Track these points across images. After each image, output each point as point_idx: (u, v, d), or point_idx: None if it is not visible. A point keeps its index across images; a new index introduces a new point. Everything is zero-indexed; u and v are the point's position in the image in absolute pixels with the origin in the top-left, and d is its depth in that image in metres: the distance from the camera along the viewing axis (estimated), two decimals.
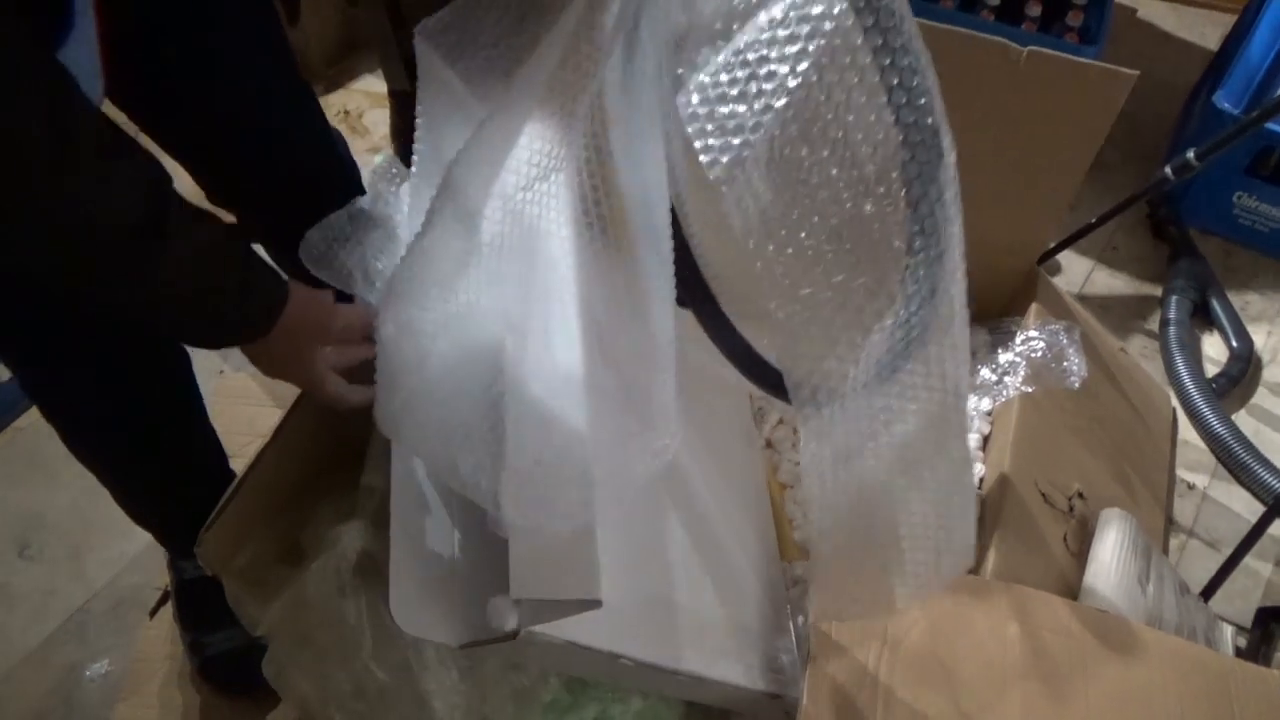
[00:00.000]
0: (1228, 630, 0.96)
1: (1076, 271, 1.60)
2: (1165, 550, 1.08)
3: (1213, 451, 1.31)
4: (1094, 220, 1.17)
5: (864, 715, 0.69)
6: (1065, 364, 0.90)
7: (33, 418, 1.38)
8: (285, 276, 0.73)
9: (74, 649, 1.18)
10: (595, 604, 0.63)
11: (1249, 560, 1.06)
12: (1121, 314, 1.55)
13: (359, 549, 0.75)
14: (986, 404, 1.00)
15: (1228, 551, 1.05)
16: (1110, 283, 1.59)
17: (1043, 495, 0.89)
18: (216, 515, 0.77)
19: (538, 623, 0.64)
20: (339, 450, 0.83)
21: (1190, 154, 1.11)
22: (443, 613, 0.69)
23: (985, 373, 0.96)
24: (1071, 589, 0.85)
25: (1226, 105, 1.51)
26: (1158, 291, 1.55)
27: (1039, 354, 0.91)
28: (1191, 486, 1.31)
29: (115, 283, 0.60)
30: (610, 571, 0.65)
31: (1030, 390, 0.92)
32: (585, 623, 0.64)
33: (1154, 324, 1.51)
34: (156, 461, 0.95)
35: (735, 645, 0.78)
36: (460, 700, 0.70)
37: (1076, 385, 0.89)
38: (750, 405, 1.01)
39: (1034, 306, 1.02)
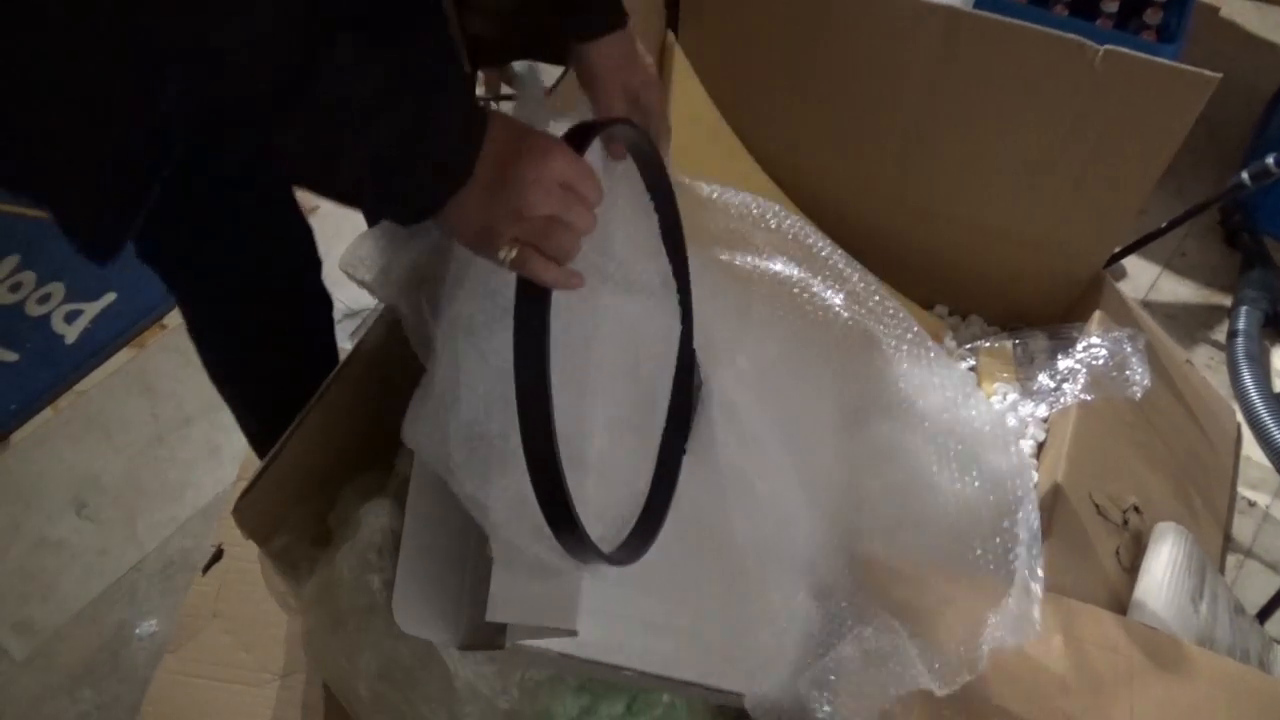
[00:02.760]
0: None
1: (1142, 277, 1.56)
2: (1222, 569, 1.05)
3: (1277, 470, 1.27)
4: (1164, 225, 1.14)
5: None
6: (1127, 373, 0.87)
7: (92, 381, 1.42)
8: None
9: (124, 608, 1.21)
10: (571, 633, 0.61)
11: None
12: (1187, 323, 1.50)
13: (385, 528, 0.74)
14: (1043, 410, 0.98)
15: None
16: (1177, 290, 1.55)
17: (1096, 507, 0.87)
18: (255, 481, 0.76)
19: (525, 637, 0.62)
20: (371, 430, 0.82)
21: (1270, 160, 1.08)
22: (444, 613, 0.68)
23: (1043, 378, 0.94)
24: (1121, 604, 0.83)
25: None
26: (1227, 301, 1.51)
27: (1100, 361, 0.89)
28: (1253, 504, 1.27)
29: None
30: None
31: (1089, 398, 0.90)
32: (580, 632, 0.62)
33: (1221, 334, 1.47)
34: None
35: (755, 655, 0.74)
36: (485, 684, 0.70)
37: (1138, 395, 0.86)
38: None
39: (1097, 313, 0.99)
